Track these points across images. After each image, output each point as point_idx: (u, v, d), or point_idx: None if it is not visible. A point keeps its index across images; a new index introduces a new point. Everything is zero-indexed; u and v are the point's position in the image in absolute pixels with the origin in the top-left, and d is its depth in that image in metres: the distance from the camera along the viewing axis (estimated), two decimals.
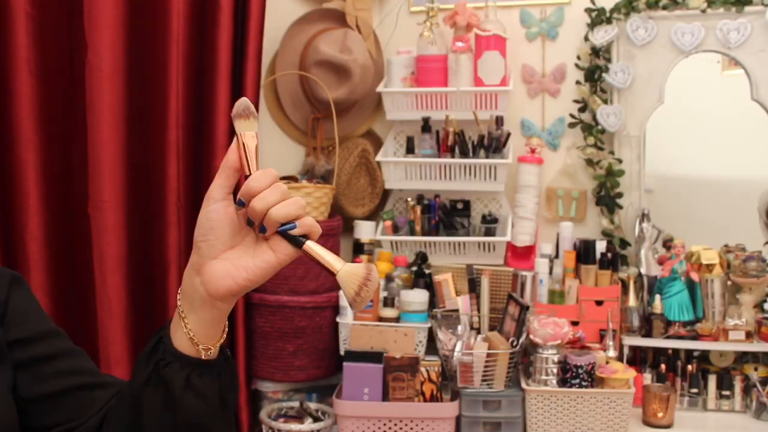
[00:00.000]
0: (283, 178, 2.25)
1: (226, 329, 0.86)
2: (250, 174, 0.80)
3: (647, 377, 2.12)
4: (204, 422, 0.84)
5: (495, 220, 2.29)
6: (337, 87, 2.29)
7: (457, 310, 2.15)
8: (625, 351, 2.13)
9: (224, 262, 0.81)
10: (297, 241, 0.80)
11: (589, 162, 2.33)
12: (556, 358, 1.97)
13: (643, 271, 2.21)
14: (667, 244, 2.23)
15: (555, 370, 1.97)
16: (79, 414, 0.91)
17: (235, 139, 0.81)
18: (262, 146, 2.67)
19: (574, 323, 2.12)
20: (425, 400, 1.99)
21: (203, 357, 0.83)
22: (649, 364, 2.19)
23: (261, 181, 0.79)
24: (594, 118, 2.31)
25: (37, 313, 0.96)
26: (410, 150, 2.32)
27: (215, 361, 0.85)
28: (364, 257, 2.31)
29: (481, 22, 2.26)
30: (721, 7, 2.22)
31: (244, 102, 0.81)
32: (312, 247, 0.80)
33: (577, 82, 2.34)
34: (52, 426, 0.92)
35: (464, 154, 2.24)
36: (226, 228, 0.81)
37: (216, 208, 0.80)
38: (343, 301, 2.14)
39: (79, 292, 2.03)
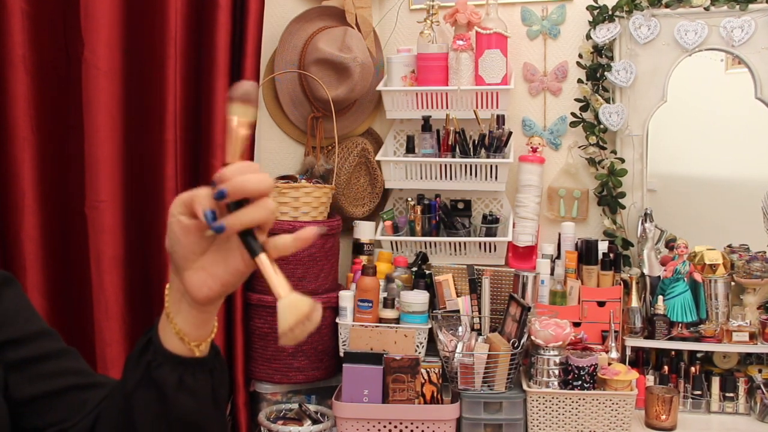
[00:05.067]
0: (282, 178, 2.24)
1: (216, 327, 0.85)
2: (229, 162, 0.77)
3: (650, 379, 2.10)
4: (197, 420, 0.84)
5: (496, 220, 2.27)
6: (337, 86, 2.27)
7: (457, 311, 2.14)
8: (628, 352, 2.12)
9: (199, 272, 0.79)
10: (253, 251, 0.76)
11: (591, 161, 2.31)
12: (557, 360, 1.95)
13: (645, 271, 2.19)
14: (670, 244, 2.21)
15: (557, 372, 1.95)
16: (71, 415, 0.90)
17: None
18: (261, 145, 2.65)
19: (576, 324, 2.10)
20: (425, 402, 1.97)
21: (196, 354, 0.82)
22: (651, 366, 2.17)
23: (264, 183, 0.76)
24: (596, 117, 2.29)
25: (28, 313, 0.95)
26: (410, 149, 2.30)
27: (206, 359, 0.84)
28: (363, 258, 2.29)
29: (482, 20, 2.25)
30: (725, 5, 2.20)
31: (243, 86, 0.76)
32: (264, 262, 0.75)
33: (579, 81, 2.32)
34: (44, 427, 0.91)
35: (465, 153, 2.22)
36: (188, 240, 0.78)
37: (174, 222, 0.78)
38: (344, 302, 2.13)
39: (76, 292, 2.02)
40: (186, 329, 0.81)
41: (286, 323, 0.73)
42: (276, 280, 0.75)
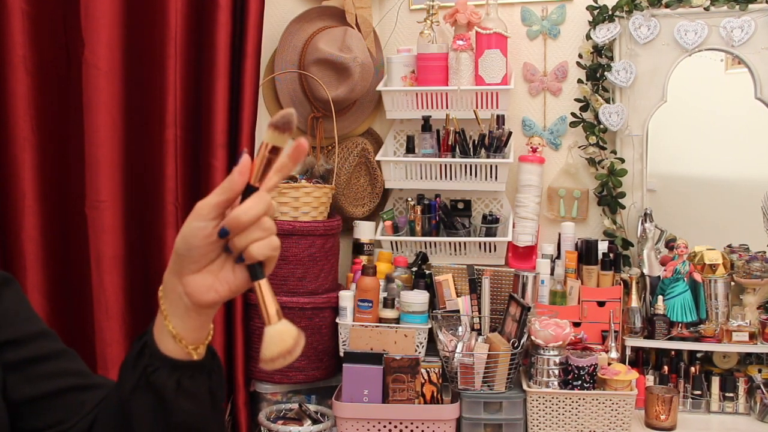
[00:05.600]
0: None
1: (212, 329, 0.86)
2: (253, 183, 0.77)
3: (650, 379, 2.10)
4: (196, 423, 0.84)
5: (496, 220, 2.27)
6: (337, 86, 2.27)
7: (457, 311, 2.14)
8: (628, 352, 2.12)
9: (207, 276, 0.79)
10: (255, 275, 0.79)
11: (591, 161, 2.31)
12: (557, 360, 1.95)
13: (645, 271, 2.19)
14: (670, 244, 2.21)
15: (556, 372, 1.95)
16: (69, 416, 0.90)
17: (247, 154, 0.77)
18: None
19: (576, 324, 2.10)
20: (425, 402, 1.97)
21: (194, 357, 0.82)
22: (651, 366, 2.17)
23: (250, 213, 0.76)
24: (596, 117, 2.29)
25: (28, 314, 0.95)
26: (410, 149, 2.30)
27: (203, 361, 0.84)
28: (363, 258, 2.29)
29: (482, 20, 2.25)
30: (724, 5, 2.20)
31: (287, 114, 0.76)
32: (264, 287, 0.78)
33: (579, 81, 2.32)
34: (43, 428, 0.91)
35: (465, 153, 2.22)
36: (210, 246, 0.78)
37: (205, 226, 0.77)
38: (344, 302, 2.13)
39: (76, 292, 2.02)
40: (183, 332, 0.81)
41: (269, 353, 0.76)
42: (270, 306, 0.78)
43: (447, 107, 2.27)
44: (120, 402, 0.84)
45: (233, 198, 0.77)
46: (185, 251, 0.78)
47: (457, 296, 2.17)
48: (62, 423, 0.90)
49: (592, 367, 1.94)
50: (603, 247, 2.21)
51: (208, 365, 0.84)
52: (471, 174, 2.24)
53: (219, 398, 0.87)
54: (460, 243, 2.26)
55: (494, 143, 2.20)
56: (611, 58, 2.28)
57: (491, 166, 2.22)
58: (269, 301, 0.78)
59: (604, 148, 2.30)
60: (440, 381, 1.98)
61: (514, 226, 2.28)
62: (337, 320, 2.14)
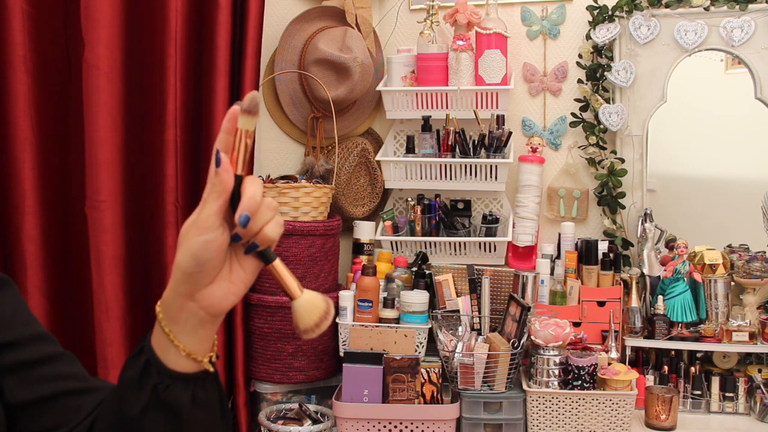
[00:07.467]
0: (282, 178, 2.24)
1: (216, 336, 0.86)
2: (237, 173, 0.76)
3: (650, 379, 2.10)
4: (210, 430, 0.84)
5: (496, 220, 2.27)
6: (337, 86, 2.27)
7: (457, 311, 2.14)
8: (628, 352, 2.12)
9: (222, 283, 0.79)
10: (268, 259, 0.80)
11: (591, 161, 2.31)
12: (557, 360, 1.95)
13: (645, 271, 2.20)
14: (670, 244, 2.21)
15: (556, 372, 1.95)
16: (66, 420, 0.89)
17: (222, 152, 0.76)
18: (261, 145, 2.65)
19: (576, 324, 2.10)
20: (425, 402, 1.97)
21: (207, 368, 0.82)
22: (651, 366, 2.17)
23: (258, 193, 0.76)
24: (596, 117, 2.29)
25: (25, 316, 0.94)
26: (410, 149, 2.30)
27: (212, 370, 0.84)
28: (363, 258, 2.29)
29: (482, 20, 2.25)
30: (724, 5, 2.20)
31: (255, 97, 0.76)
32: (279, 267, 0.80)
33: (579, 81, 2.33)
34: None
35: (465, 153, 2.22)
36: (222, 255, 0.78)
37: (214, 238, 0.76)
38: (344, 302, 2.13)
39: (76, 292, 2.02)
40: (196, 347, 0.81)
41: (309, 322, 0.80)
42: (291, 282, 0.80)
43: (447, 107, 2.27)
44: (129, 421, 0.82)
45: (228, 198, 0.76)
46: (197, 268, 0.77)
47: (457, 296, 2.17)
48: (59, 427, 0.89)
49: (592, 367, 1.94)
50: (603, 247, 2.21)
51: (215, 372, 0.84)
52: (471, 174, 2.24)
53: (225, 400, 0.88)
54: (460, 243, 2.26)
55: (494, 143, 2.20)
56: (611, 58, 2.28)
57: (491, 166, 2.22)
58: (289, 278, 0.80)
59: (604, 148, 2.30)
60: (440, 381, 1.98)
61: (514, 226, 2.28)
62: (337, 320, 2.14)
